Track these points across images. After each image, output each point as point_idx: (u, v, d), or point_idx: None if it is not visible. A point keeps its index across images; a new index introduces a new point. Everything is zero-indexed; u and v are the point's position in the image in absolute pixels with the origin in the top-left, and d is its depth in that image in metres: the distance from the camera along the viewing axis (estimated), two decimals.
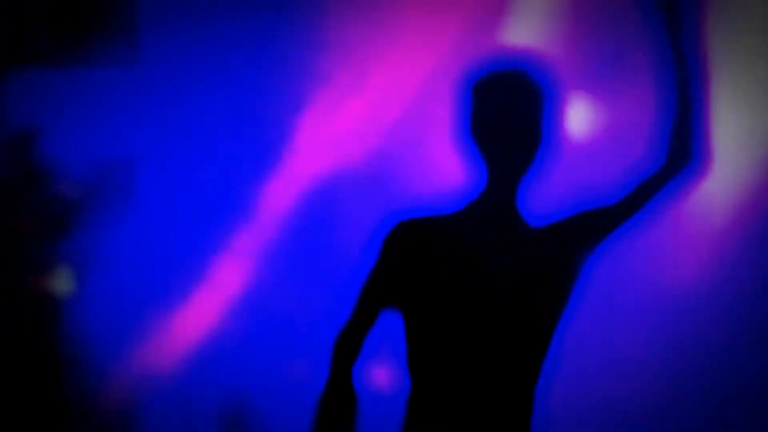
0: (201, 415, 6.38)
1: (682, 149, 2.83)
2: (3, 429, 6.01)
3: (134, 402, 6.36)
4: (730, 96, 5.79)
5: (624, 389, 6.21)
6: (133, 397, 6.35)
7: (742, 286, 6.15)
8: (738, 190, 5.99)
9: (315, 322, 6.18)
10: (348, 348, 2.80)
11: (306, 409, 2.89)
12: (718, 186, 5.69)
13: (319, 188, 6.38)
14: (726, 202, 5.97)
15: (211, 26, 6.33)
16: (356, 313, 2.81)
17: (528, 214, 2.82)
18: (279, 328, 6.43)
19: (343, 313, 2.82)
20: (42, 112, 6.28)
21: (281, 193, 6.41)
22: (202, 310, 6.41)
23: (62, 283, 6.12)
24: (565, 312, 2.82)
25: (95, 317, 6.28)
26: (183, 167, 6.45)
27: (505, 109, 2.73)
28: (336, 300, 5.92)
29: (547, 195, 2.91)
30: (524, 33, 5.96)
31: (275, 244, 6.44)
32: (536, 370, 2.81)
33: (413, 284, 2.77)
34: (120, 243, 6.35)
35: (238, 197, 6.43)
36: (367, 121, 6.35)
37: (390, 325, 2.81)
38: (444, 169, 5.12)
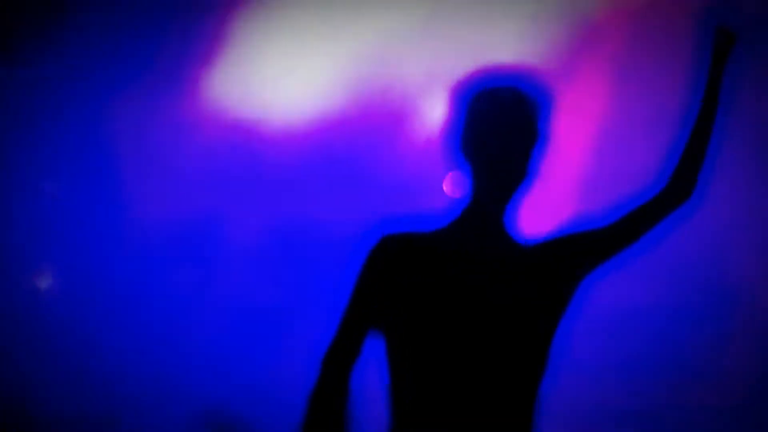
0: (183, 417, 6.35)
1: (684, 185, 2.80)
2: None
3: (114, 401, 6.33)
4: None
5: (623, 396, 6.21)
6: (114, 396, 6.32)
7: (742, 287, 6.14)
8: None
9: (305, 325, 6.14)
10: (335, 366, 2.72)
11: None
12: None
13: (307, 192, 6.35)
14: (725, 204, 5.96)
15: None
16: (342, 331, 2.73)
17: (516, 231, 2.75)
18: (267, 331, 6.40)
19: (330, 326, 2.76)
20: (18, 111, 6.25)
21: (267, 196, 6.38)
22: (190, 310, 6.39)
23: (44, 281, 6.09)
24: (557, 331, 2.74)
25: (78, 315, 6.26)
26: (162, 164, 6.40)
27: (497, 124, 2.67)
28: (324, 305, 5.88)
29: (538, 212, 2.85)
30: (520, 48, 5.92)
31: (259, 246, 6.41)
32: (529, 393, 2.71)
33: (395, 301, 2.69)
34: (97, 241, 6.31)
35: (217, 192, 6.39)
36: (349, 131, 6.31)
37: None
38: (431, 183, 5.08)
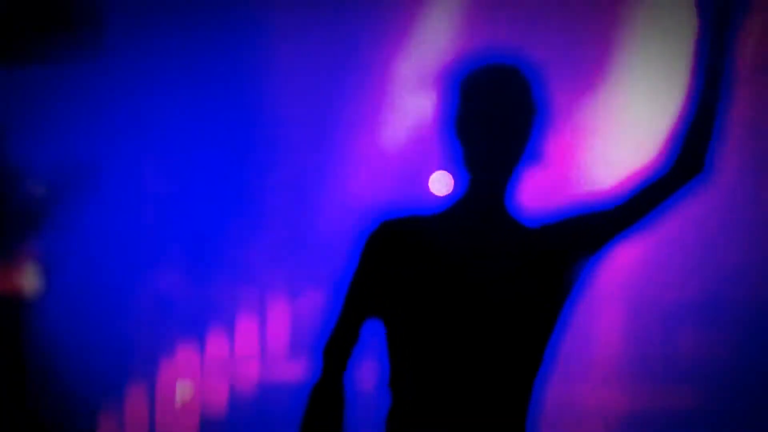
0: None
1: (695, 159, 2.70)
2: None
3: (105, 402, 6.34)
4: None
5: (622, 397, 6.21)
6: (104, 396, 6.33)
7: (743, 289, 6.14)
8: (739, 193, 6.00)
9: (297, 323, 6.15)
10: (335, 356, 2.71)
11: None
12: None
13: (302, 184, 6.35)
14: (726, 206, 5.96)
15: (178, 20, 6.28)
16: (341, 320, 2.72)
17: (518, 213, 2.73)
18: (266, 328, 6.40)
19: (330, 316, 2.76)
20: (9, 110, 6.25)
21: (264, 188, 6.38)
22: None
23: (30, 281, 6.09)
24: (560, 317, 2.71)
25: (62, 316, 6.25)
26: (150, 164, 6.40)
27: (491, 106, 2.66)
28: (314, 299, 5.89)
29: (539, 194, 2.84)
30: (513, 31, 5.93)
31: (256, 241, 6.41)
32: (529, 381, 2.69)
33: (396, 288, 2.68)
34: (88, 241, 6.31)
35: (207, 193, 6.39)
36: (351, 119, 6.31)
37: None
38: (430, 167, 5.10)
